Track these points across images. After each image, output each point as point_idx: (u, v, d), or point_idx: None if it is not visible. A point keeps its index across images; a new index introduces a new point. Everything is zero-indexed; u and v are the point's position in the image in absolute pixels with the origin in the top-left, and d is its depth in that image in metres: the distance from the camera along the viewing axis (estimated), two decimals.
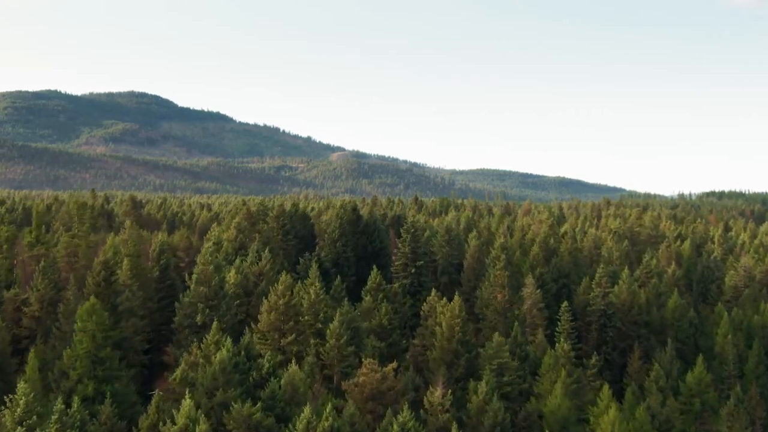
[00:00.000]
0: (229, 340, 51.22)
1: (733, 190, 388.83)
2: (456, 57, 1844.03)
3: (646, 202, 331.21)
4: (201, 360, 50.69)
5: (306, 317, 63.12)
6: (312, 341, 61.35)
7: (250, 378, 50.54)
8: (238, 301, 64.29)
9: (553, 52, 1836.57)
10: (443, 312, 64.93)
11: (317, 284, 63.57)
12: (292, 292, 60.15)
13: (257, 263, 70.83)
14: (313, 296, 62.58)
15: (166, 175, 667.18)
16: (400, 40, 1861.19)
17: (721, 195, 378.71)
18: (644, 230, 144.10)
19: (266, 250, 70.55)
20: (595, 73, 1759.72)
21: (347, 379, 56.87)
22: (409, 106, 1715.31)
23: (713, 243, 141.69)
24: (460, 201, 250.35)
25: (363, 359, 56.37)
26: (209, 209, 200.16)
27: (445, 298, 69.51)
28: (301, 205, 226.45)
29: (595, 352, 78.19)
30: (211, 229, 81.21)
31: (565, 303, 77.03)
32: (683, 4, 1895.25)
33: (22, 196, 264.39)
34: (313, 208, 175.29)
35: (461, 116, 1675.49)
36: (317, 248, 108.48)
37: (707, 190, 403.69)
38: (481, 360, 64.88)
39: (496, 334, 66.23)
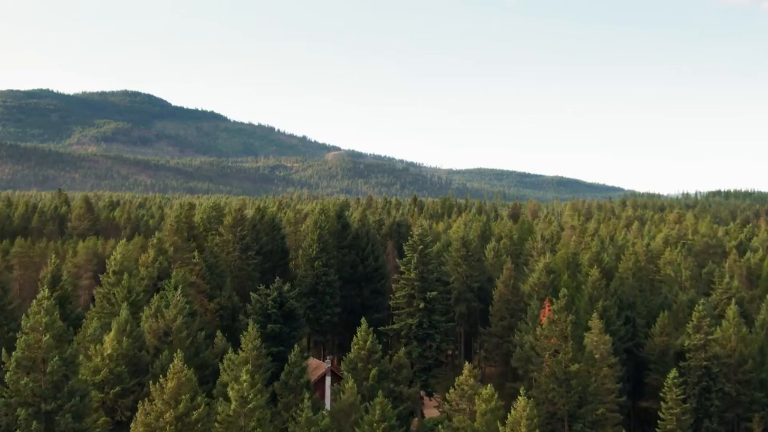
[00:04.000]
0: None
1: (738, 189, 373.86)
2: (454, 57, 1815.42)
3: (662, 203, 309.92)
4: None
5: None
6: None
7: None
8: (109, 393, 34.74)
9: (551, 51, 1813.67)
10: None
11: (246, 380, 32.07)
12: (196, 393, 31.19)
13: (164, 312, 41.43)
14: (236, 403, 31.68)
15: (157, 175, 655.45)
16: (396, 39, 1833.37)
17: (727, 194, 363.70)
18: (700, 238, 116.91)
19: (178, 290, 42.87)
20: (593, 72, 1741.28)
21: None
22: (406, 105, 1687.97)
23: None
24: (463, 201, 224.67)
25: None
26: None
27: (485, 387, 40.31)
28: (295, 206, 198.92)
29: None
30: (118, 248, 54.23)
31: (674, 372, 49.65)
32: (681, 4, 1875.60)
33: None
34: (298, 212, 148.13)
35: (458, 116, 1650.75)
36: (292, 268, 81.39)
37: (706, 189, 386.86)
38: None
39: None
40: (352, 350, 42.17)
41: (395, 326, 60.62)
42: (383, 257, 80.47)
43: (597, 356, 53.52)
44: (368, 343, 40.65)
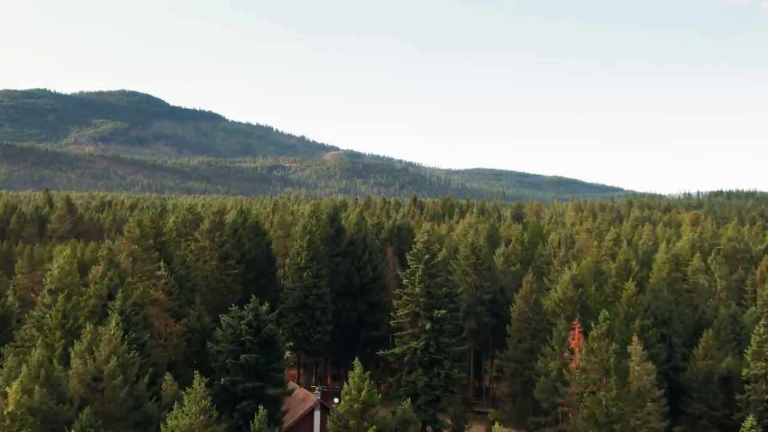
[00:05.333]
0: None
1: (740, 189, 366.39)
2: (454, 57, 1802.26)
3: (668, 203, 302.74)
4: None
5: None
6: None
7: None
8: None
9: (551, 51, 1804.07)
10: None
11: None
12: None
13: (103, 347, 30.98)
14: None
15: (154, 175, 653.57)
16: (396, 39, 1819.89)
17: (729, 195, 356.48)
18: (726, 242, 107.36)
19: (113, 319, 32.97)
20: (592, 72, 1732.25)
21: None
22: (405, 105, 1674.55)
23: None
24: (464, 202, 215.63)
25: None
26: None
27: None
28: (290, 207, 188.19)
29: None
30: (58, 256, 44.87)
31: (751, 421, 40.19)
32: (681, 4, 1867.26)
33: None
34: (292, 213, 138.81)
35: (457, 115, 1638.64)
36: (280, 278, 72.07)
37: (706, 189, 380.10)
38: None
39: None
40: (342, 401, 32.68)
41: (396, 350, 51.28)
42: (382, 266, 71.18)
43: (639, 388, 44.28)
44: (363, 393, 31.14)
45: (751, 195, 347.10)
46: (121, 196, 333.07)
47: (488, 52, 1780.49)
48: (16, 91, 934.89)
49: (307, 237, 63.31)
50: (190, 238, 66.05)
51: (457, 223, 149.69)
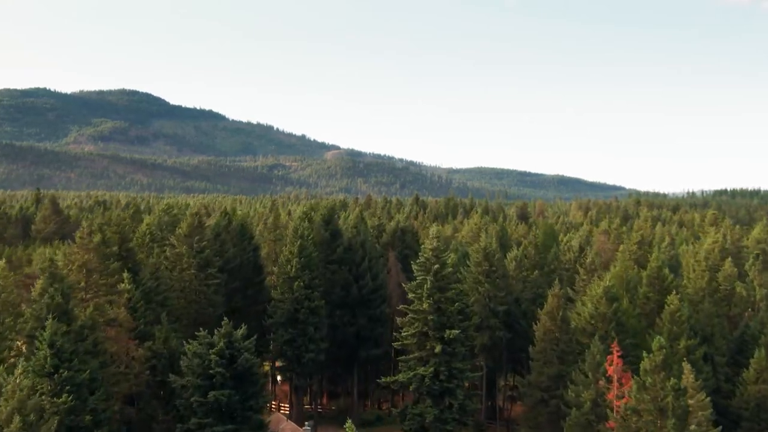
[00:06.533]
0: None
1: (744, 188, 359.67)
2: (454, 57, 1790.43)
3: (675, 202, 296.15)
4: None
5: None
6: None
7: None
8: None
9: (551, 51, 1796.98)
10: None
11: None
12: None
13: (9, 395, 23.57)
14: None
15: (154, 174, 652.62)
16: (396, 39, 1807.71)
17: (734, 193, 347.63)
18: (755, 245, 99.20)
19: (18, 368, 25.29)
20: (593, 72, 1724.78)
21: None
22: (406, 104, 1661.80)
23: None
24: (468, 201, 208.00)
25: None
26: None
27: None
28: (290, 207, 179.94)
29: None
30: None
31: None
32: (681, 4, 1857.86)
33: None
34: (289, 212, 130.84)
35: (458, 114, 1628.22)
36: (268, 291, 64.15)
37: (706, 188, 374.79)
38: None
39: None
40: None
41: (400, 377, 43.42)
42: (384, 274, 63.26)
43: (693, 428, 36.46)
44: None
45: (755, 194, 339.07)
46: (119, 196, 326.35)
47: (488, 52, 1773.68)
48: (15, 90, 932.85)
49: (298, 242, 55.47)
50: (166, 243, 58.35)
51: (461, 223, 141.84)
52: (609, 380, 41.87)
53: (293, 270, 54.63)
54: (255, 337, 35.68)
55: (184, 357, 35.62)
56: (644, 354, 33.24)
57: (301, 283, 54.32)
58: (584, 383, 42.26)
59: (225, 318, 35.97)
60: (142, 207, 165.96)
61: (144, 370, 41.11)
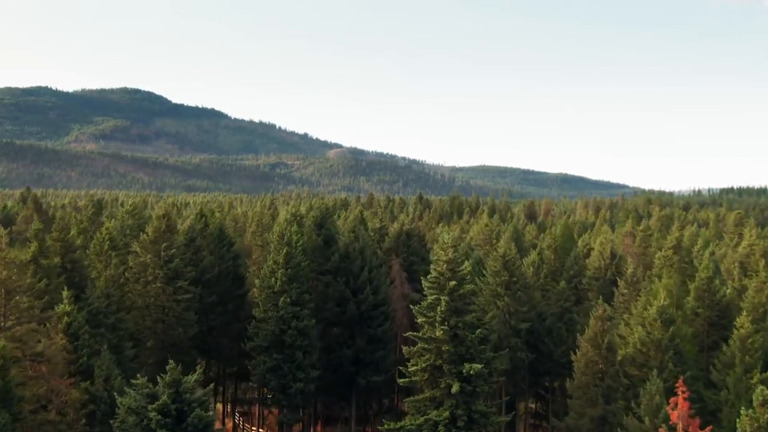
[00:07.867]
0: None
1: (751, 186, 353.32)
2: (454, 56, 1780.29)
3: (686, 200, 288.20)
4: None
5: None
6: None
7: None
8: None
9: (551, 51, 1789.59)
10: None
11: None
12: None
13: None
14: None
15: (155, 173, 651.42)
16: (396, 39, 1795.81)
17: (740, 192, 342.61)
18: None
19: None
20: (593, 72, 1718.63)
21: None
22: (407, 103, 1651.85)
23: None
24: (473, 200, 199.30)
25: None
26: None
27: None
28: (291, 206, 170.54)
29: None
30: None
31: None
32: (681, 4, 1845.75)
33: None
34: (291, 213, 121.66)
35: (459, 113, 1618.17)
36: (253, 301, 55.18)
37: (710, 186, 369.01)
38: None
39: None
40: None
41: (408, 423, 34.31)
42: (386, 286, 54.20)
43: None
44: None
45: (762, 192, 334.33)
46: (119, 195, 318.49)
47: (488, 51, 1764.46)
48: (17, 88, 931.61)
49: (284, 250, 46.55)
50: (129, 251, 49.48)
51: (468, 223, 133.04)
52: (672, 429, 32.99)
53: (278, 283, 45.72)
54: (212, 385, 26.84)
55: (117, 410, 26.77)
56: (742, 411, 24.23)
57: (288, 299, 45.41)
58: (639, 431, 33.30)
59: (170, 361, 26.87)
60: (138, 205, 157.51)
61: (80, 417, 32.31)
